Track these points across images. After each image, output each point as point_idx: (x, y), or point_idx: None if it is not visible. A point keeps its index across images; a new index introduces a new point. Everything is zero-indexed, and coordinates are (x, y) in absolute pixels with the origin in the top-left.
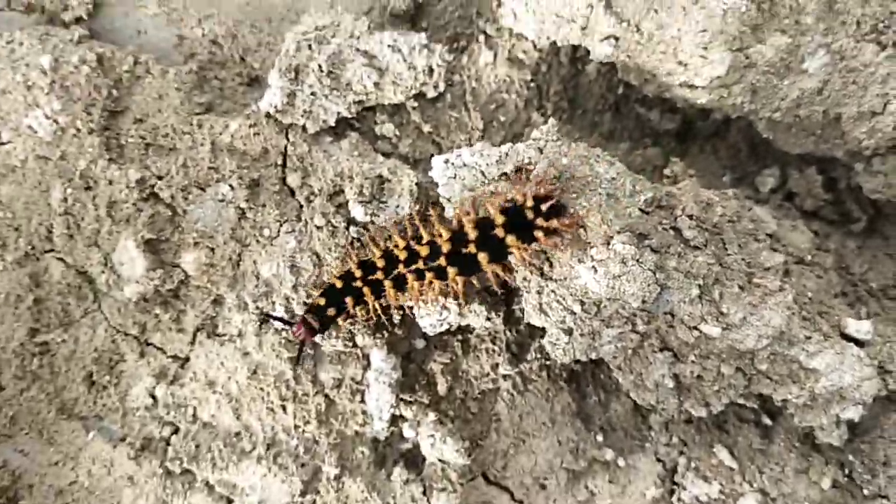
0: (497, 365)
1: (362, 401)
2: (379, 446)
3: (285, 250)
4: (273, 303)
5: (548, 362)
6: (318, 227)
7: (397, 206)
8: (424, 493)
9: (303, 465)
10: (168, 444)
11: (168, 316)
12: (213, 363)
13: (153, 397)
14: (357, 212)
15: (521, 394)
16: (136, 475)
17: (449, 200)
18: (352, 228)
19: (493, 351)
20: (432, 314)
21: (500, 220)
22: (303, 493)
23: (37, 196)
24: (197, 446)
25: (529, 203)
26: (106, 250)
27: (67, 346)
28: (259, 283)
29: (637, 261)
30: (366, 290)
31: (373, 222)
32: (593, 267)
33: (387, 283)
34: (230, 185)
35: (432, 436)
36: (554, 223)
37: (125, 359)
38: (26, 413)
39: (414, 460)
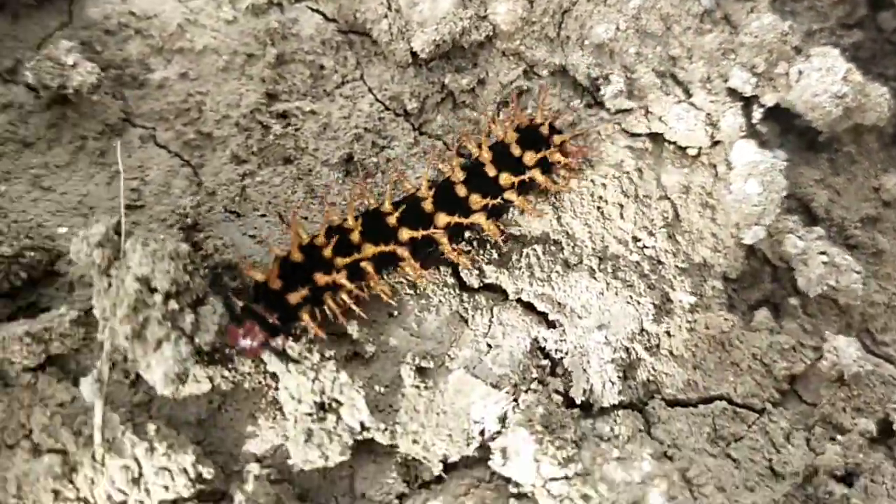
0: None
1: (713, 219)
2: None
3: (627, 7)
4: (606, 77)
5: None
6: None
7: None
8: None
9: (650, 288)
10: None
11: (465, 82)
12: None
13: None
14: None
15: None
16: None
17: None
18: None
19: None
20: None
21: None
22: (656, 321)
23: None
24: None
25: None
26: None
27: (316, 120)
28: (584, 51)
29: None
30: (338, 260)
31: None
32: None
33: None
34: None
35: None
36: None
37: (392, 144)
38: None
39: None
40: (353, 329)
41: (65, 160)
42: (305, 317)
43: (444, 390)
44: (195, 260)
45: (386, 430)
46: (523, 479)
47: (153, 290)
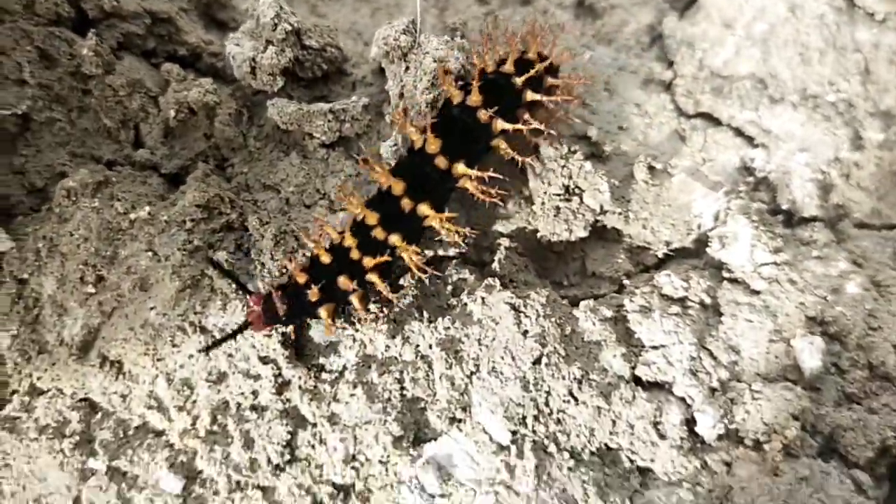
0: None
1: None
2: None
3: None
4: None
5: None
6: None
7: None
8: None
9: (845, 124)
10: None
11: None
12: (730, 3)
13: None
14: None
15: None
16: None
17: None
18: None
19: None
20: None
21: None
22: (849, 151)
23: None
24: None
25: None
26: None
27: None
28: None
29: None
30: (366, 260)
31: None
32: None
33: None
34: None
35: None
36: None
37: None
38: None
39: None
40: (592, 132)
41: None
42: (323, 314)
43: (668, 188)
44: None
45: (621, 214)
46: (737, 262)
47: (447, 72)
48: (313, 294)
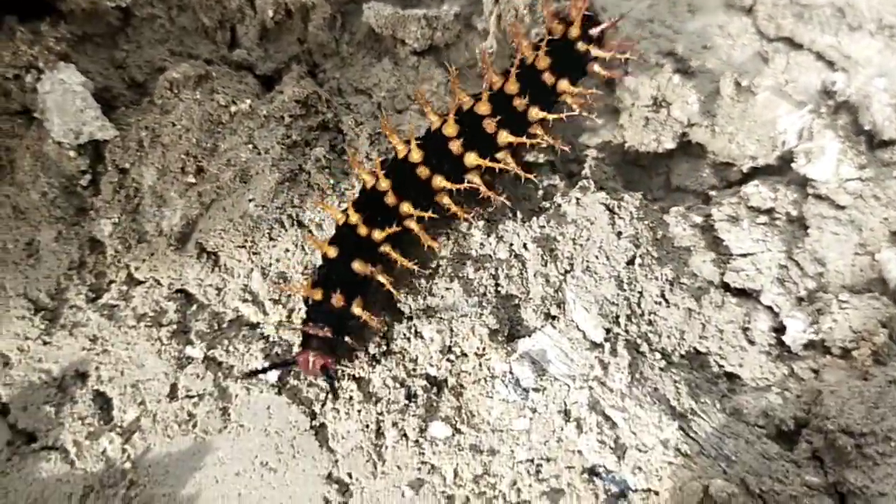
0: None
1: None
2: None
3: None
4: None
5: None
6: None
7: None
8: None
9: None
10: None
11: None
12: None
13: None
14: None
15: None
16: None
17: None
18: None
19: None
20: None
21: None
22: None
23: None
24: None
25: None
26: None
27: None
28: None
29: None
30: (376, 234)
31: None
32: None
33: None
34: None
35: None
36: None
37: None
38: None
39: None
40: (679, 48)
41: None
42: (358, 311)
43: (753, 104)
44: None
45: (707, 127)
46: (823, 178)
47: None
48: (338, 300)
